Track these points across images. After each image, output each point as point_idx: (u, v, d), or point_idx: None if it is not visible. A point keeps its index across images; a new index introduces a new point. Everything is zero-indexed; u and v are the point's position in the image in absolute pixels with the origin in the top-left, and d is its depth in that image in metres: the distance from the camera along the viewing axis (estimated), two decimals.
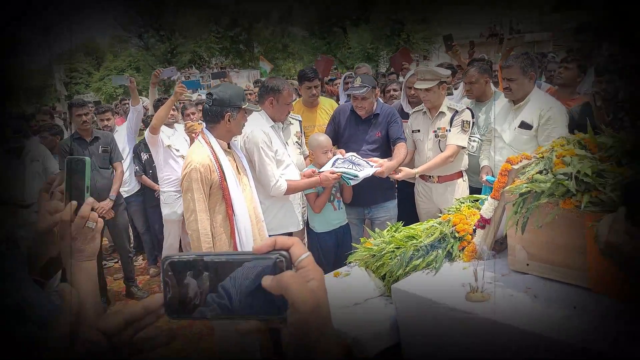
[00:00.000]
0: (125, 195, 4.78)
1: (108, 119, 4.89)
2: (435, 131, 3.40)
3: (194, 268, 0.63)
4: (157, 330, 0.68)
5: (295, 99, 4.15)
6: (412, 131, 3.52)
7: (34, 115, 5.74)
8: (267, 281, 0.60)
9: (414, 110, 3.60)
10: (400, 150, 3.36)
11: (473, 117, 3.42)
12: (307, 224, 3.42)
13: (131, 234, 5.50)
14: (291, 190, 2.99)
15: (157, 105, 4.32)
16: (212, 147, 2.53)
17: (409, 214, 3.67)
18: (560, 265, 1.89)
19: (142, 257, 5.48)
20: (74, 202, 1.01)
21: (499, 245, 2.32)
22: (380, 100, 3.61)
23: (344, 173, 3.05)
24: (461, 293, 1.99)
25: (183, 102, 4.70)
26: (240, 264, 0.62)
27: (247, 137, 2.92)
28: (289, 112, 3.19)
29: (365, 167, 3.12)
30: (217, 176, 2.51)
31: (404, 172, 3.28)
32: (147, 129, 4.07)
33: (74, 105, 4.13)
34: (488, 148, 3.38)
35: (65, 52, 33.44)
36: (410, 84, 3.75)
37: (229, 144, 2.67)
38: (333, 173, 3.03)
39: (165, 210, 4.29)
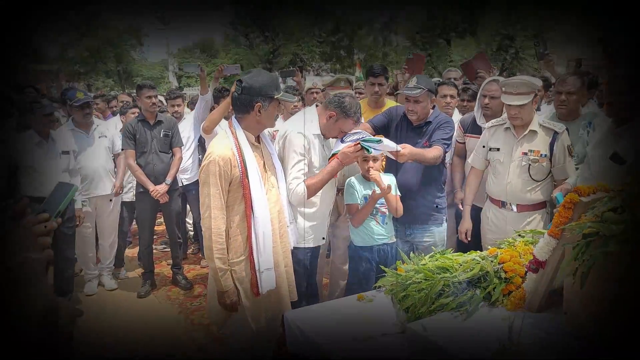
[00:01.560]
0: (185, 182, 4.81)
1: (179, 105, 4.98)
2: (526, 153, 2.87)
3: None
4: None
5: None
6: (490, 149, 3.01)
7: (115, 97, 6.09)
8: None
9: (491, 124, 3.07)
10: (432, 149, 2.90)
11: None
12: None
13: (191, 221, 5.55)
14: (313, 189, 2.64)
15: (216, 95, 4.23)
16: (237, 139, 2.32)
17: (470, 243, 3.19)
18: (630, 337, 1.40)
19: (196, 247, 5.49)
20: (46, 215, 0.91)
21: (557, 296, 1.84)
22: (437, 109, 3.18)
23: (364, 141, 2.58)
24: (492, 350, 1.57)
25: None
26: None
27: (287, 135, 2.69)
28: (337, 137, 2.83)
29: (384, 140, 2.68)
30: (239, 172, 2.28)
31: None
32: (201, 126, 4.00)
33: (145, 87, 4.20)
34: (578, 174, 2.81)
35: (183, 48, 36.22)
36: (487, 93, 3.27)
37: (258, 138, 2.44)
38: (351, 147, 2.60)
39: None
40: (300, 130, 2.70)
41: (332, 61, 28.38)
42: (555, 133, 2.85)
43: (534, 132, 2.87)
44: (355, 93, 4.53)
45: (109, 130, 4.42)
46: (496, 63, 20.68)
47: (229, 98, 3.70)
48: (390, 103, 3.81)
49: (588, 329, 1.56)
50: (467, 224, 3.15)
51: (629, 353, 1.46)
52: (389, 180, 3.00)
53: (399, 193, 2.97)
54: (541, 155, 2.84)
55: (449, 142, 3.00)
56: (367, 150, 2.62)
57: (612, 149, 2.40)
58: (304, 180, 2.63)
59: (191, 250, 5.47)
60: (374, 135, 2.97)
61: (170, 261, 4.82)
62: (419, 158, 2.83)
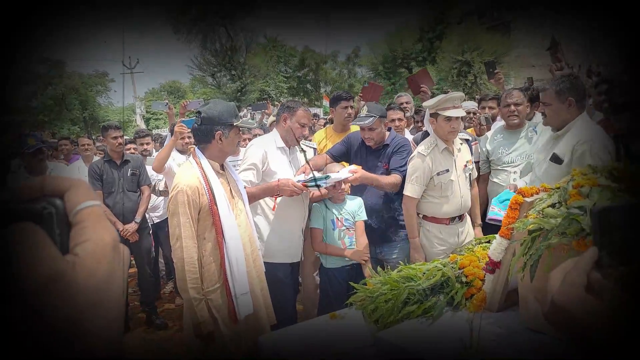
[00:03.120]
0: (156, 220, 4.80)
1: (147, 144, 5.01)
2: (465, 165, 3.09)
3: None
4: None
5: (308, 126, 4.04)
6: (438, 173, 3.03)
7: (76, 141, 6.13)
8: None
9: (428, 150, 3.04)
10: (390, 176, 3.05)
11: None
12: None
13: (162, 260, 5.49)
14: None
15: (172, 129, 4.30)
16: (202, 169, 2.37)
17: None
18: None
19: (171, 286, 5.41)
20: None
21: (516, 296, 1.93)
22: (393, 130, 3.33)
23: (310, 180, 2.72)
24: (456, 350, 1.64)
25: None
26: None
27: (247, 148, 2.90)
28: (302, 136, 3.02)
29: (331, 175, 2.81)
30: (207, 199, 2.33)
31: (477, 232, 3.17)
32: (152, 165, 4.05)
33: (110, 127, 4.22)
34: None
35: (150, 91, 36.37)
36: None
37: (222, 166, 2.50)
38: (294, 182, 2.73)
39: None
40: (259, 144, 2.90)
41: (299, 95, 28.93)
42: (468, 140, 3.19)
43: (459, 145, 3.11)
44: (326, 123, 4.69)
45: (69, 174, 4.40)
46: (457, 89, 21.49)
47: (173, 138, 3.81)
48: (354, 127, 3.95)
49: (543, 323, 1.64)
50: (423, 255, 3.06)
51: (582, 342, 1.55)
52: (358, 203, 3.10)
53: (365, 217, 3.07)
54: (473, 162, 3.15)
55: (406, 168, 3.08)
56: (317, 187, 2.77)
57: (551, 152, 2.64)
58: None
59: (164, 290, 5.39)
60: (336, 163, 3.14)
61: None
62: (374, 182, 2.95)
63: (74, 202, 0.41)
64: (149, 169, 4.47)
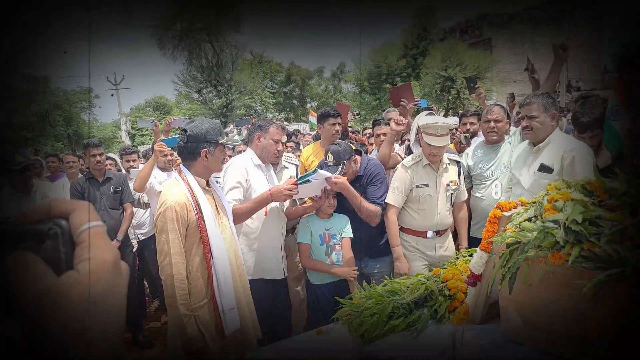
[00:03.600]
0: (142, 237, 4.75)
1: (134, 160, 4.98)
2: (448, 184, 3.17)
3: None
4: None
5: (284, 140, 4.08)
6: (417, 186, 3.11)
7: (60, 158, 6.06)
8: None
9: (411, 163, 3.15)
10: (373, 206, 3.07)
11: None
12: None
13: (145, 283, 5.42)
14: (238, 214, 2.72)
15: (152, 147, 4.31)
16: (189, 185, 2.39)
17: None
18: (557, 335, 1.53)
19: (156, 304, 5.35)
20: None
21: (498, 308, 1.97)
22: (366, 157, 3.33)
23: (301, 178, 2.83)
24: None
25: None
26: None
27: (226, 168, 2.91)
28: (277, 153, 3.07)
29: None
30: (194, 216, 2.34)
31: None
32: (132, 185, 4.05)
33: (90, 145, 4.19)
34: (508, 194, 3.06)
35: (135, 106, 36.17)
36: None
37: (207, 182, 2.52)
38: (287, 185, 2.79)
39: None
40: (239, 163, 2.93)
41: (285, 111, 29.12)
42: (458, 162, 3.25)
43: (447, 164, 3.18)
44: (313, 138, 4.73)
45: (54, 191, 4.36)
46: (441, 104, 21.83)
47: (153, 157, 3.81)
48: None
49: (523, 334, 1.68)
50: (406, 265, 3.10)
51: (558, 350, 1.59)
52: (345, 220, 3.13)
53: (351, 234, 3.10)
54: (457, 184, 3.20)
55: (384, 198, 3.14)
56: (308, 181, 2.83)
57: (535, 164, 2.75)
58: (233, 206, 2.73)
59: (149, 308, 5.33)
60: None
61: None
62: (354, 199, 2.97)
63: (78, 223, 0.44)
64: (131, 185, 4.43)
